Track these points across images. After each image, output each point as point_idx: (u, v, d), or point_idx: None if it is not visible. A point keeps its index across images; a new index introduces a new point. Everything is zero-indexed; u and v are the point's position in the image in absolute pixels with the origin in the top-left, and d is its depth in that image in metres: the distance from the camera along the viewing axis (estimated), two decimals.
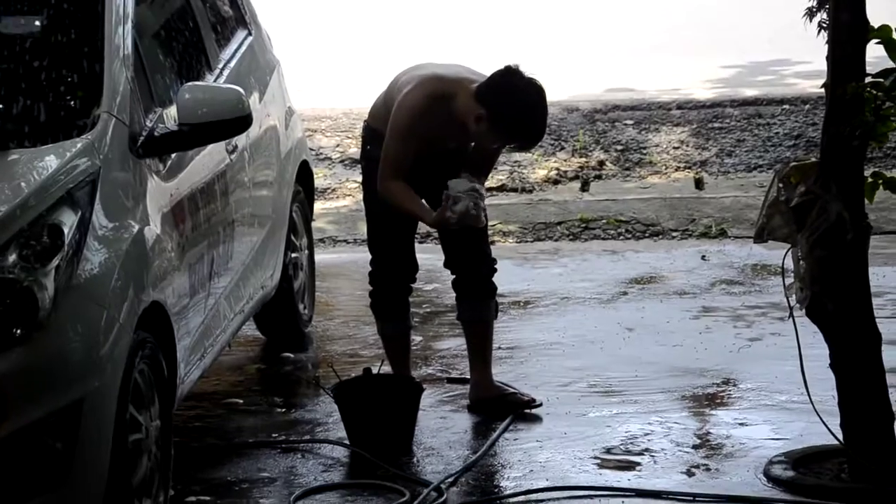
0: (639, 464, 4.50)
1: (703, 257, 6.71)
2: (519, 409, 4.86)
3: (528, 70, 4.70)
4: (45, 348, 3.65)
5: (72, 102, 4.12)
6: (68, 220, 3.80)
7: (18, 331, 3.64)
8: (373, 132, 4.89)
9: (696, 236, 7.09)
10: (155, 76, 4.46)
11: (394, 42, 11.03)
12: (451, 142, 4.83)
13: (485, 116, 4.64)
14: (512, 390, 4.97)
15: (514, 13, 11.79)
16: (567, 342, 5.64)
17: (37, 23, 4.30)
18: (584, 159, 8.00)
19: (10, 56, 4.20)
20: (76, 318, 3.72)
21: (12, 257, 3.69)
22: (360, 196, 7.89)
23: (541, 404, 4.91)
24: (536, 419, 4.88)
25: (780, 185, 4.29)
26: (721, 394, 5.09)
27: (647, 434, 4.73)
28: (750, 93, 8.81)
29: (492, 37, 11.01)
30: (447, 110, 4.70)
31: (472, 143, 4.89)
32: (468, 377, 5.08)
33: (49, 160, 3.95)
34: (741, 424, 4.81)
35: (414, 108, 4.68)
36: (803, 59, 9.25)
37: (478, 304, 4.97)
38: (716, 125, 8.37)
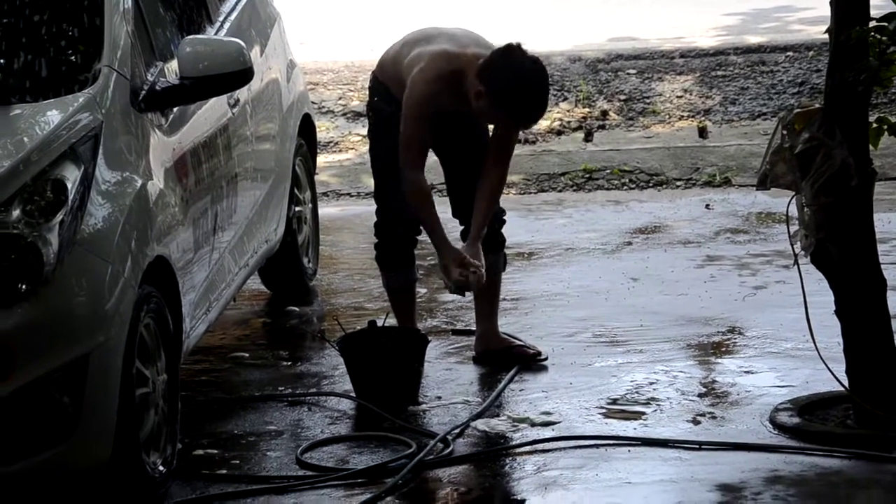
0: (644, 413, 4.52)
1: (707, 206, 6.71)
2: (525, 362, 4.88)
3: (529, 49, 4.69)
4: (51, 304, 3.66)
5: (73, 57, 4.12)
6: (71, 175, 3.81)
7: (24, 286, 3.65)
8: (379, 84, 4.90)
9: (700, 185, 7.09)
10: (155, 30, 4.45)
11: None
12: (463, 108, 4.84)
13: (484, 93, 4.64)
14: (518, 342, 4.99)
15: None
16: (572, 293, 5.65)
17: None
18: (587, 109, 7.99)
19: (10, 11, 4.19)
20: (81, 273, 3.73)
21: (16, 213, 3.70)
22: (364, 149, 7.92)
23: (546, 358, 4.92)
24: (542, 370, 4.90)
25: (784, 132, 4.28)
26: (726, 342, 5.11)
27: (652, 383, 4.74)
28: (754, 40, 8.77)
29: None
30: (459, 85, 4.70)
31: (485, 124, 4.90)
32: (473, 329, 5.10)
33: (51, 115, 3.95)
34: (747, 372, 4.83)
35: (423, 92, 4.69)
36: (807, 5, 9.21)
37: (486, 257, 4.98)
38: (719, 73, 8.34)
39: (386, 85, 4.84)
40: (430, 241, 4.85)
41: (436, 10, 10.39)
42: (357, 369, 4.71)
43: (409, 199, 4.77)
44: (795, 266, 4.34)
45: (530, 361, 4.89)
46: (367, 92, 5.04)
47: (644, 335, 5.17)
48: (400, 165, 4.75)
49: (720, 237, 6.26)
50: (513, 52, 4.66)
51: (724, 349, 5.05)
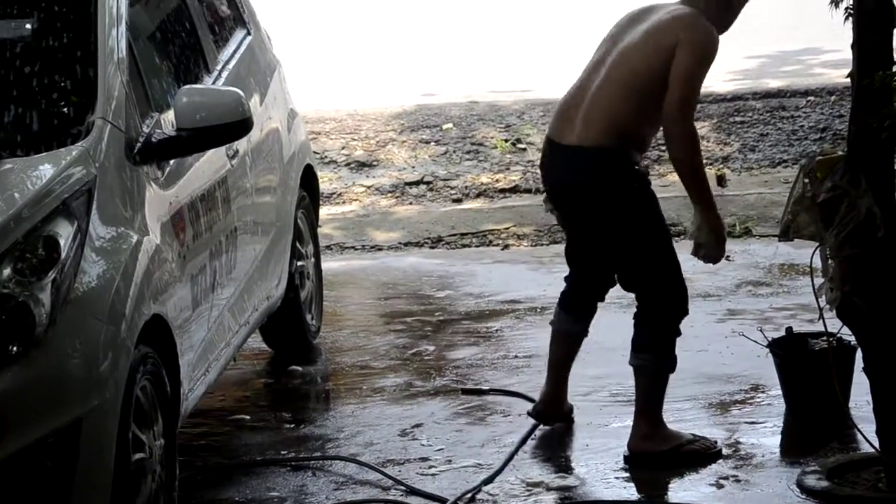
0: (666, 477, 4.49)
1: (727, 257, 6.69)
2: (701, 461, 4.53)
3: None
4: (43, 366, 3.66)
5: (65, 109, 4.13)
6: (64, 232, 3.81)
7: (14, 348, 3.64)
8: (626, 141, 4.49)
9: None
10: (151, 80, 4.47)
11: (396, 40, 11.05)
12: None
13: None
14: (689, 437, 4.62)
15: (522, 4, 11.80)
16: (586, 349, 5.62)
17: (27, 26, 4.31)
18: None
19: (0, 62, 4.21)
20: (74, 333, 3.72)
21: (7, 271, 3.70)
22: (368, 200, 7.95)
23: (720, 449, 4.60)
24: (557, 431, 4.88)
25: (806, 180, 4.28)
26: (750, 401, 5.08)
27: None
28: (773, 84, 8.80)
29: (497, 30, 11.01)
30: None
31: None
32: (483, 388, 5.06)
33: (43, 169, 3.95)
34: (772, 433, 4.80)
35: (714, 49, 4.50)
36: (834, 47, 9.23)
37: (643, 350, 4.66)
38: (737, 119, 8.36)
39: (634, 137, 4.51)
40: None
41: (442, 56, 10.44)
42: (798, 377, 4.69)
43: (690, 143, 4.42)
44: (821, 320, 4.32)
45: (710, 459, 4.53)
46: (616, 160, 4.49)
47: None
48: (682, 116, 4.42)
49: (741, 290, 6.25)
50: None
51: (747, 408, 5.03)
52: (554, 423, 4.87)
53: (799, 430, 4.81)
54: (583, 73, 4.68)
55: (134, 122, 4.22)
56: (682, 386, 5.19)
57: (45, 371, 3.66)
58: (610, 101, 4.54)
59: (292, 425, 5.08)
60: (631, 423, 4.88)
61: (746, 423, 4.92)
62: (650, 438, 4.59)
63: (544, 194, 4.83)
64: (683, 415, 4.95)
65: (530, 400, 5.01)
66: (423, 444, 4.81)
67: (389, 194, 7.87)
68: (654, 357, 4.64)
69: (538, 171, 7.87)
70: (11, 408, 3.62)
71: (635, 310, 4.73)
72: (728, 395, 5.13)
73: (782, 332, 5.05)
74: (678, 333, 4.69)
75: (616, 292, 6.29)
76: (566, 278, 4.91)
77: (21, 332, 3.66)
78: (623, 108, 4.52)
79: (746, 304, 6.05)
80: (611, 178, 4.54)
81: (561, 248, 7.32)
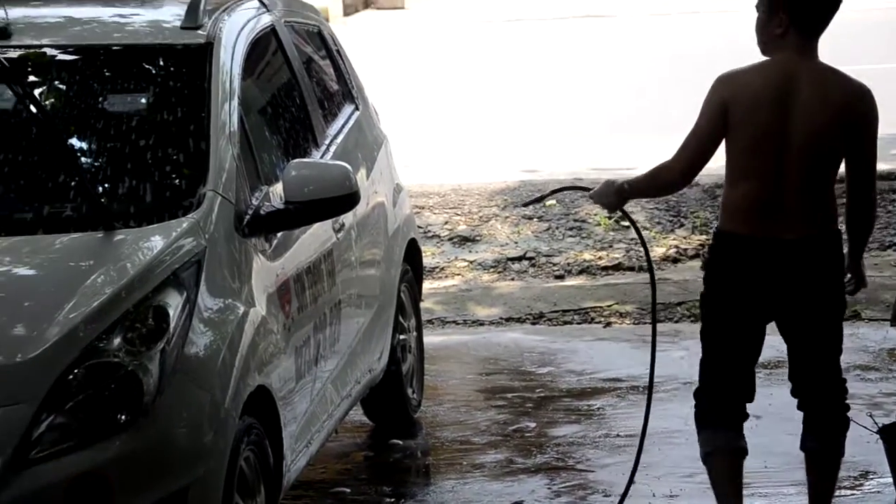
0: None
1: None
2: None
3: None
4: (150, 435, 3.70)
5: (177, 181, 4.21)
6: (174, 302, 3.87)
7: (123, 416, 3.69)
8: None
9: None
10: (261, 153, 4.54)
11: (499, 116, 11.11)
12: None
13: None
14: None
15: (627, 83, 11.81)
16: (690, 430, 5.53)
17: (143, 100, 4.41)
18: (704, 237, 7.95)
19: (116, 135, 4.31)
20: (181, 403, 3.77)
21: (117, 340, 3.75)
22: (470, 275, 7.98)
23: None
24: None
25: None
26: (858, 487, 4.99)
27: None
28: (883, 167, 8.68)
29: (602, 108, 11.03)
30: None
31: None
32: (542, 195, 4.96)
33: (154, 240, 4.02)
34: None
35: None
36: None
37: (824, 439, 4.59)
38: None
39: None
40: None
41: (546, 132, 10.48)
42: None
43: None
44: None
45: None
46: (839, 242, 4.54)
47: (769, 478, 5.07)
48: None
49: (850, 374, 6.14)
50: None
51: (856, 495, 4.94)
52: None
53: None
54: (752, 158, 4.42)
55: (243, 195, 4.29)
56: (788, 470, 5.12)
57: (153, 440, 3.70)
58: (814, 189, 4.43)
59: (392, 500, 5.08)
60: None
61: None
62: None
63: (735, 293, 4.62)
64: (789, 500, 4.88)
65: (585, 189, 4.75)
66: None
67: (491, 269, 7.89)
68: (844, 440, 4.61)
69: (640, 248, 7.85)
70: (119, 476, 3.66)
71: (817, 401, 4.63)
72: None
73: (893, 418, 4.96)
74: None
75: None
76: (711, 392, 4.57)
77: (129, 400, 3.70)
78: (828, 193, 4.47)
79: (855, 389, 5.95)
80: (839, 261, 4.61)
81: (664, 326, 7.27)
